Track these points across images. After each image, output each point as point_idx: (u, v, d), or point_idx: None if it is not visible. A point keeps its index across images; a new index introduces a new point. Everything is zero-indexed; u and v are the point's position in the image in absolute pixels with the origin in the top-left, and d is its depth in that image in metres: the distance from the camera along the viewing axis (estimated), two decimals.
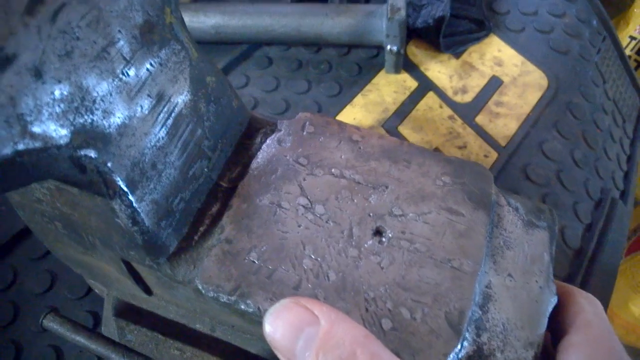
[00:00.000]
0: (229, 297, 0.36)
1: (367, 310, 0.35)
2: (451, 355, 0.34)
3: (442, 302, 0.35)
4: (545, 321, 0.36)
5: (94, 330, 0.46)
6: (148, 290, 0.46)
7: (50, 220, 0.40)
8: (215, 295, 0.36)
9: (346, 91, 0.85)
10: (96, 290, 0.63)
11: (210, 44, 0.90)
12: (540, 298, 0.37)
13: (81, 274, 0.58)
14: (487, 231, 0.39)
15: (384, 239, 0.38)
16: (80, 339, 0.45)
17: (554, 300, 0.37)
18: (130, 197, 0.34)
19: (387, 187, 0.41)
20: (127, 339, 0.49)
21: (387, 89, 0.86)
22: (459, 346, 0.34)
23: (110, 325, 0.51)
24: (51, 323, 0.45)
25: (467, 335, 0.35)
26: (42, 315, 0.46)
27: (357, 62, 0.89)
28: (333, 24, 0.85)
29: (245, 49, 0.90)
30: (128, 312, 0.50)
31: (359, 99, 0.85)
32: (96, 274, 0.49)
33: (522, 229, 0.40)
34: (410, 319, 0.35)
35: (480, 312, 0.36)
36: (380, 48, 0.90)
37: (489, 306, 0.37)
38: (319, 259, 0.37)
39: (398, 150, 0.43)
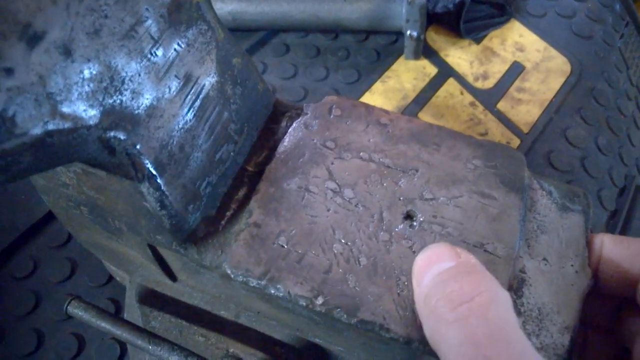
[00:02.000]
0: (259, 281, 0.35)
1: (399, 294, 0.34)
2: None
3: None
4: (581, 305, 0.35)
5: (118, 316, 0.45)
6: (173, 277, 0.46)
7: (75, 205, 0.39)
8: (245, 279, 0.35)
9: (365, 78, 0.84)
10: (117, 278, 0.63)
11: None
12: (577, 282, 0.36)
13: (103, 261, 0.58)
14: (520, 215, 0.38)
15: (415, 223, 0.37)
16: (106, 325, 0.44)
17: (590, 284, 0.36)
18: (159, 180, 0.33)
19: (417, 171, 0.40)
20: (151, 325, 0.49)
21: (407, 75, 0.85)
22: None
23: (133, 312, 0.51)
24: (76, 309, 0.45)
25: None
26: (66, 302, 0.46)
27: (376, 48, 0.88)
28: (352, 9, 0.84)
29: (262, 35, 0.89)
30: (152, 299, 0.50)
31: (377, 86, 0.84)
32: (120, 260, 0.48)
33: (557, 213, 0.39)
34: None
35: (515, 296, 0.35)
36: (399, 34, 0.88)
37: (523, 290, 0.36)
38: (349, 243, 0.36)
39: (427, 133, 0.42)
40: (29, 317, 0.64)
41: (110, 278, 0.66)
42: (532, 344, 0.33)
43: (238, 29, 0.89)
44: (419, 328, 0.33)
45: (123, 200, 0.36)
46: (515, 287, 0.36)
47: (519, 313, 0.35)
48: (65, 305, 0.45)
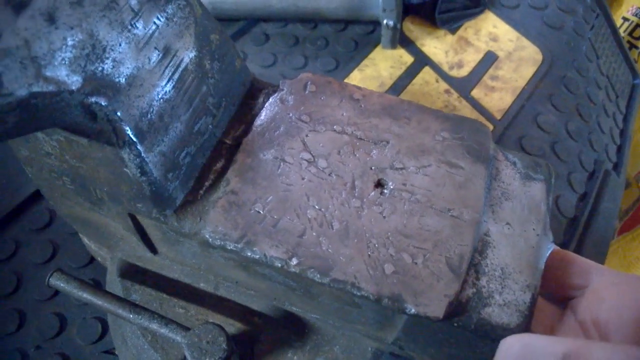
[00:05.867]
0: (236, 244, 0.37)
1: (369, 256, 0.36)
2: (452, 297, 0.35)
3: (443, 248, 0.36)
4: (542, 266, 0.37)
5: (98, 287, 0.47)
6: (153, 249, 0.47)
7: (58, 175, 0.41)
8: (222, 243, 0.37)
9: (343, 66, 0.86)
10: (98, 259, 0.64)
11: None
12: (538, 245, 0.38)
13: (84, 241, 0.59)
14: (485, 183, 0.40)
15: (385, 191, 0.39)
16: (87, 296, 0.46)
17: (550, 247, 0.38)
18: (139, 146, 0.35)
19: (388, 143, 0.42)
20: (132, 298, 0.50)
21: (384, 64, 0.87)
22: (459, 288, 0.35)
23: (115, 287, 0.52)
24: (57, 281, 0.46)
25: (467, 278, 0.36)
26: (48, 275, 0.47)
27: (354, 37, 0.90)
28: None
29: (242, 25, 0.90)
30: (133, 273, 0.51)
31: (355, 74, 0.85)
32: (102, 235, 0.49)
33: (520, 182, 0.42)
34: (412, 263, 0.36)
35: (479, 258, 0.37)
36: (376, 24, 0.90)
37: (487, 252, 0.38)
38: (322, 209, 0.38)
39: (398, 108, 0.44)
40: (11, 298, 0.64)
41: (92, 260, 0.67)
42: (496, 301, 0.36)
43: (218, 19, 0.90)
44: (389, 285, 0.35)
45: (104, 168, 0.37)
46: (480, 249, 0.38)
47: (483, 273, 0.37)
48: (48, 278, 0.47)
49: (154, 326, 0.44)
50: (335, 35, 0.90)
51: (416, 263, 0.36)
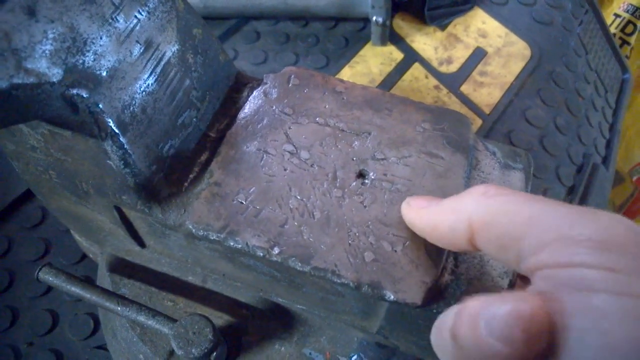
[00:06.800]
0: (219, 234, 0.37)
1: (350, 244, 0.37)
2: (430, 284, 0.35)
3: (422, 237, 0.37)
4: None
5: (87, 281, 0.47)
6: (141, 242, 0.48)
7: (44, 169, 0.41)
8: (205, 233, 0.37)
9: (333, 64, 0.87)
10: (90, 255, 0.65)
11: None
12: None
13: (75, 237, 0.60)
14: (465, 172, 0.41)
15: (366, 181, 0.40)
16: (75, 289, 0.46)
17: None
18: (122, 138, 0.35)
19: (369, 134, 0.42)
20: (121, 292, 0.51)
21: (374, 60, 0.87)
22: (437, 275, 0.36)
23: (104, 281, 0.53)
24: (47, 275, 0.47)
25: (446, 265, 0.37)
26: (37, 269, 0.48)
27: (344, 35, 0.90)
28: None
29: (233, 23, 0.91)
30: (122, 267, 0.51)
31: (346, 71, 0.86)
32: (90, 229, 0.50)
33: (499, 171, 0.42)
34: (392, 251, 0.36)
35: None
36: (366, 21, 0.91)
37: None
38: (304, 199, 0.39)
39: (380, 100, 0.44)
40: (4, 295, 0.65)
41: (84, 257, 0.68)
42: (475, 287, 0.36)
43: (209, 17, 0.91)
44: (368, 273, 0.36)
45: (88, 161, 0.38)
46: None
47: (462, 260, 0.38)
48: (37, 272, 0.47)
49: (142, 318, 0.45)
50: (325, 33, 0.91)
51: (395, 251, 0.36)
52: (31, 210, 0.71)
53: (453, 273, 0.37)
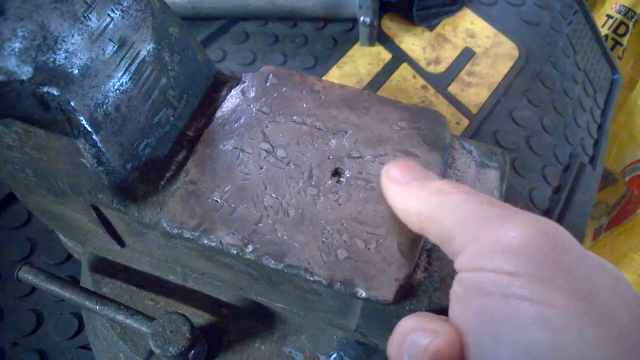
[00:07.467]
0: (193, 232, 0.37)
1: (323, 242, 0.37)
2: (402, 281, 0.35)
3: (396, 234, 0.37)
4: None
5: (66, 280, 0.47)
6: (120, 241, 0.48)
7: (21, 168, 0.41)
8: (179, 231, 0.37)
9: (322, 64, 0.87)
10: (75, 255, 0.65)
11: (187, 19, 0.91)
12: None
13: (60, 237, 0.60)
14: (441, 170, 0.41)
15: (342, 179, 0.40)
16: (54, 288, 0.46)
17: None
18: (95, 136, 0.35)
19: (346, 133, 0.42)
20: (102, 291, 0.51)
21: (362, 61, 0.87)
22: (410, 272, 0.36)
23: (86, 281, 0.53)
24: (26, 274, 0.47)
25: (419, 262, 0.37)
26: (16, 268, 0.48)
27: (333, 35, 0.91)
28: None
29: (222, 24, 0.91)
30: (103, 267, 0.51)
31: (334, 71, 0.86)
32: (70, 228, 0.50)
33: (475, 169, 0.42)
34: (365, 249, 0.36)
35: (431, 244, 0.38)
36: (355, 22, 0.91)
37: None
38: (279, 198, 0.39)
39: (358, 99, 0.44)
40: None
41: (69, 257, 0.68)
42: (448, 285, 0.36)
43: (198, 18, 0.91)
44: (341, 270, 0.36)
45: (63, 159, 0.38)
46: None
47: (436, 258, 0.38)
48: (16, 271, 0.47)
49: (120, 317, 0.45)
50: (314, 34, 0.91)
51: (369, 248, 0.36)
52: (17, 210, 0.71)
53: (426, 270, 0.37)
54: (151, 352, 0.48)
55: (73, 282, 0.48)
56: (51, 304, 0.65)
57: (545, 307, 0.24)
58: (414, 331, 0.29)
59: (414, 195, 0.33)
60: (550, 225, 0.27)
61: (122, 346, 0.48)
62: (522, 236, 0.26)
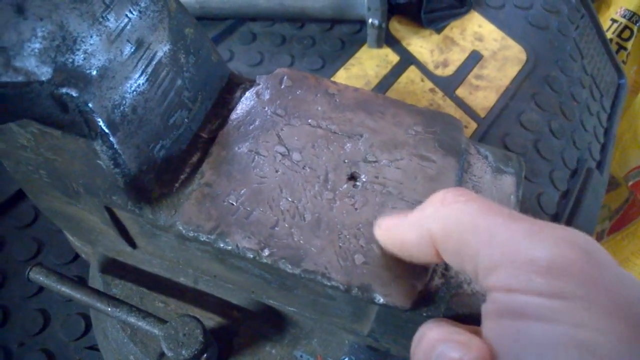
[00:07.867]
0: (209, 235, 0.37)
1: (340, 247, 0.37)
2: (420, 287, 0.35)
3: None
4: None
5: (77, 281, 0.47)
6: (132, 243, 0.48)
7: (35, 168, 0.41)
8: (195, 234, 0.37)
9: (329, 66, 0.87)
10: (82, 255, 0.64)
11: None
12: None
13: (68, 237, 0.59)
14: (456, 176, 0.40)
15: (358, 183, 0.40)
16: (66, 290, 0.46)
17: None
18: (112, 138, 0.35)
19: (361, 136, 0.42)
20: (113, 293, 0.50)
21: (370, 63, 0.87)
22: (427, 278, 0.36)
23: (96, 282, 0.53)
24: (37, 275, 0.47)
25: (436, 268, 0.37)
26: (27, 268, 0.47)
27: (340, 37, 0.90)
28: None
29: (229, 24, 0.91)
30: (113, 268, 0.51)
31: (341, 73, 0.86)
32: (81, 229, 0.50)
33: (491, 175, 0.42)
34: (382, 254, 0.36)
35: None
36: (363, 23, 0.91)
37: None
38: (295, 201, 0.39)
39: (373, 102, 0.44)
40: None
41: (77, 256, 0.68)
42: (464, 291, 0.36)
43: (205, 17, 0.91)
44: (358, 276, 0.36)
45: (79, 160, 0.37)
46: None
47: None
48: (27, 272, 0.47)
49: (132, 319, 0.44)
50: (322, 35, 0.91)
51: (386, 254, 0.36)
52: (24, 210, 0.70)
53: (443, 276, 0.37)
54: (162, 354, 0.47)
55: (82, 282, 0.48)
56: (58, 304, 0.64)
57: (588, 331, 0.23)
58: (442, 342, 0.29)
59: (416, 220, 0.32)
60: (579, 236, 0.26)
61: (132, 348, 0.48)
62: (556, 254, 0.25)
